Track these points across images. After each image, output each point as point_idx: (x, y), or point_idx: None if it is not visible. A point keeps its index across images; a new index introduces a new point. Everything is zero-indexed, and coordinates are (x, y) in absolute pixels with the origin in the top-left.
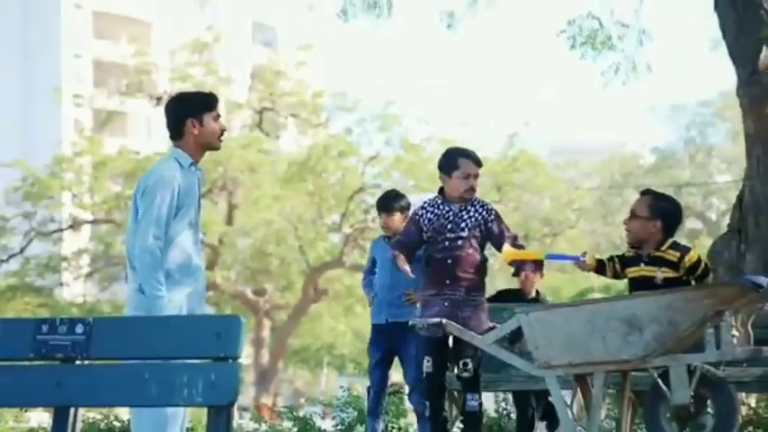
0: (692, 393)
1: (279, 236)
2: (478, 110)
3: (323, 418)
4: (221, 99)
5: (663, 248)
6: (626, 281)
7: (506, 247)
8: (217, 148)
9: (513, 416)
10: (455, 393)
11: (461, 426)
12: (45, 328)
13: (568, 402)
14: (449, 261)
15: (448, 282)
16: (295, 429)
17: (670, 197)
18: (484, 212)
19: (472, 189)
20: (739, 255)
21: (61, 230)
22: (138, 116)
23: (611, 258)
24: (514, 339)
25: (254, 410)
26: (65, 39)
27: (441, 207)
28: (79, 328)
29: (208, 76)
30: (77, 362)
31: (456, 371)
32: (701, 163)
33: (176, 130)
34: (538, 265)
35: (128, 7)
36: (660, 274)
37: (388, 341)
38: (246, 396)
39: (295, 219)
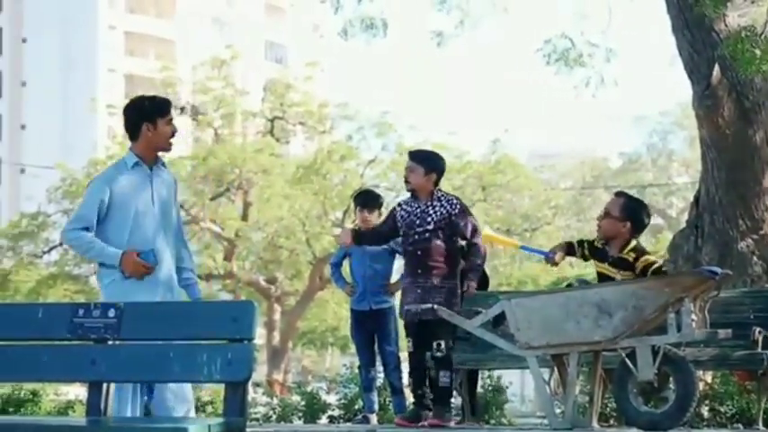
0: (656, 371)
1: (288, 230)
2: (465, 117)
3: (328, 392)
4: (238, 109)
5: (625, 251)
6: (594, 271)
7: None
8: (167, 150)
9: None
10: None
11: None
12: (81, 312)
13: (546, 379)
14: (419, 253)
15: (420, 271)
16: (303, 403)
17: (641, 201)
18: (448, 206)
19: (405, 180)
20: (696, 248)
21: None
22: None
23: (581, 243)
24: (498, 323)
25: (266, 386)
26: (100, 56)
27: (411, 204)
28: (111, 313)
29: (226, 89)
30: (109, 342)
31: (431, 351)
32: (662, 166)
33: (133, 133)
34: None
35: (155, 28)
36: (619, 276)
37: (369, 325)
38: (260, 373)
39: (303, 215)
